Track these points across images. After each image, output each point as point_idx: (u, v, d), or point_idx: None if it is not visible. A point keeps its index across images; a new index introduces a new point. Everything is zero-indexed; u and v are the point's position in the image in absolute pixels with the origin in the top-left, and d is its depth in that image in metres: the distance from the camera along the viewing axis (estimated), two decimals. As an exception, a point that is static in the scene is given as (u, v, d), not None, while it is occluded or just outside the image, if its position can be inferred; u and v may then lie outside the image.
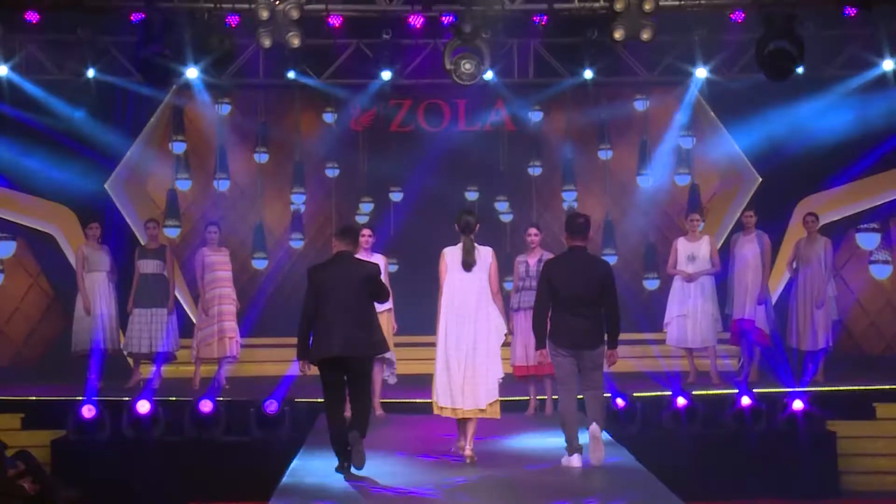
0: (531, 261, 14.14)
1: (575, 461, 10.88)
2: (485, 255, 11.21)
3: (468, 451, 11.17)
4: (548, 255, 13.51)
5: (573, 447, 10.90)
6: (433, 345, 11.40)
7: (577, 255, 11.01)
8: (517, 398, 14.23)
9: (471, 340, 11.10)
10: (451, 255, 11.23)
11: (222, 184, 18.75)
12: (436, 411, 11.33)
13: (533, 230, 14.28)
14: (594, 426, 10.76)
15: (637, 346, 17.76)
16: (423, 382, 13.61)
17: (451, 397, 11.11)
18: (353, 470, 10.52)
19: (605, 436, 11.24)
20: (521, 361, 14.03)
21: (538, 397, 14.35)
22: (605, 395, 11.44)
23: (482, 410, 11.13)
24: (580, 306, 10.80)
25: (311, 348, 10.64)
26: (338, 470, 10.59)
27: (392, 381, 14.37)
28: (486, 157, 19.06)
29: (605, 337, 10.91)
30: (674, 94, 18.37)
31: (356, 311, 10.54)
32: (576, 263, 10.97)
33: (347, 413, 10.78)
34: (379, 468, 10.86)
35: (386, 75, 16.87)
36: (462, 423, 11.27)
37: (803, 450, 13.96)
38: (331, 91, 18.10)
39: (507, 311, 12.50)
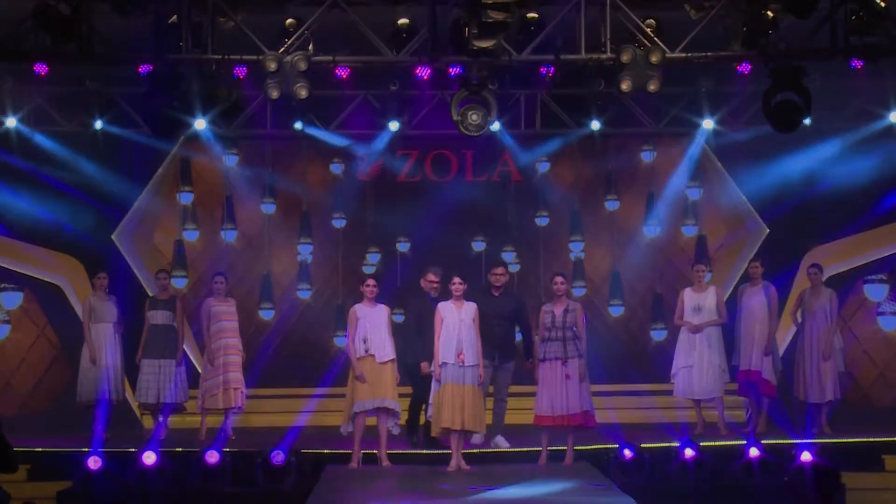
0: (557, 311, 14.08)
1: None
2: (471, 307, 13.84)
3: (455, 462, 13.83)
4: (574, 305, 13.80)
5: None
6: None
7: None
8: (529, 449, 14.35)
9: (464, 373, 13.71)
10: (444, 308, 13.86)
11: (229, 234, 18.81)
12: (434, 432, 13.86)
13: (559, 279, 14.20)
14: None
15: (644, 397, 17.74)
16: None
17: (444, 419, 13.55)
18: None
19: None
20: (546, 412, 13.94)
21: (549, 448, 14.21)
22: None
23: (467, 430, 13.71)
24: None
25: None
26: (412, 444, 14.70)
27: (395, 431, 14.31)
28: (494, 207, 19.00)
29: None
30: (681, 144, 18.40)
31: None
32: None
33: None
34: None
35: (394, 126, 16.96)
36: (454, 435, 13.74)
37: (812, 502, 13.88)
38: (338, 142, 18.18)
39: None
